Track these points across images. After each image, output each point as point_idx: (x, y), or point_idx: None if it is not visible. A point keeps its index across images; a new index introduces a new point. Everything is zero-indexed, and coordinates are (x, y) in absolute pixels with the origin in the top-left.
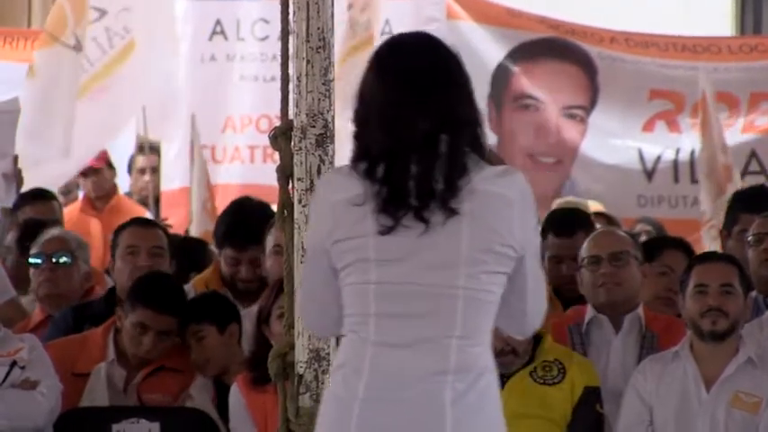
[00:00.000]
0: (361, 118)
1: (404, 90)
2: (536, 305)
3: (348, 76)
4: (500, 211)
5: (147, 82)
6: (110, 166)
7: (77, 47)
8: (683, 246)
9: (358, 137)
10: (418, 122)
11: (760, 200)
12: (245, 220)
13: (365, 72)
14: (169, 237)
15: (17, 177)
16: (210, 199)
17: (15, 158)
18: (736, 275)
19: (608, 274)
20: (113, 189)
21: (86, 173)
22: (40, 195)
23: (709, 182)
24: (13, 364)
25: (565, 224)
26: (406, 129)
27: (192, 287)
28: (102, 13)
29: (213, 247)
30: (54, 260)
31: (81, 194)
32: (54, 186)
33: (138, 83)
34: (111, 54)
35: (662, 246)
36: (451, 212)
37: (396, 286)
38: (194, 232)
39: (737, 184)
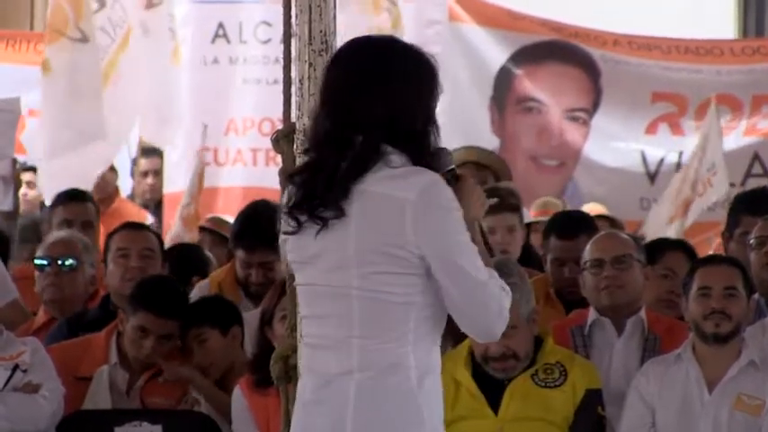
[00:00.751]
0: None
1: (322, 96)
2: (475, 310)
3: None
4: (388, 213)
5: (144, 77)
6: (111, 168)
7: (84, 38)
8: (684, 248)
9: None
10: (325, 125)
11: (761, 202)
12: (256, 223)
13: None
14: (161, 240)
15: (15, 180)
16: (194, 204)
17: (13, 161)
18: (739, 278)
19: (611, 277)
20: (115, 192)
21: None
22: (75, 196)
23: (667, 203)
24: (16, 367)
25: (567, 226)
26: (316, 132)
27: (208, 285)
28: (102, 3)
29: (208, 252)
30: (59, 263)
31: None
32: (97, 171)
33: (138, 73)
34: (117, 42)
35: (664, 248)
36: (339, 213)
37: (307, 287)
38: (168, 241)
39: (686, 222)
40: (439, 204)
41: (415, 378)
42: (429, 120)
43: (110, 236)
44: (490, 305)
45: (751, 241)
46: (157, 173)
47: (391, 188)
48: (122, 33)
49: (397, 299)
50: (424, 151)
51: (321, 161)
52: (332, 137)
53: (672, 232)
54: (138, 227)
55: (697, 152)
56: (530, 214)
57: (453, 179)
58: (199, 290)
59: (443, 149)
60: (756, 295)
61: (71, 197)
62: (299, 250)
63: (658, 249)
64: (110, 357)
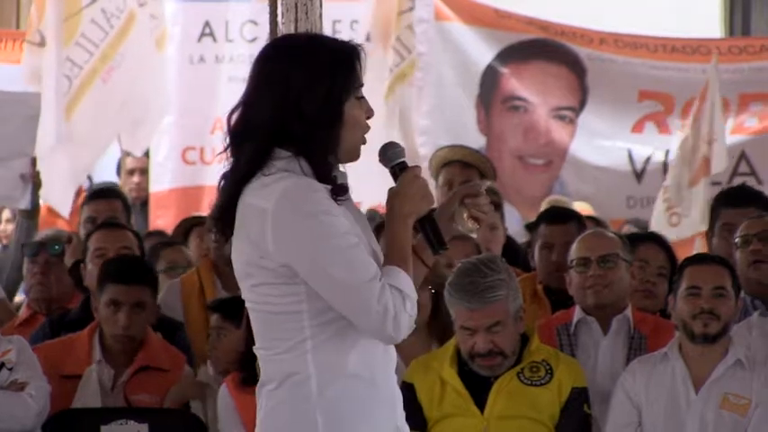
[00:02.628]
0: None
1: None
2: (355, 313)
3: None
4: (255, 224)
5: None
6: None
7: (41, 42)
8: (657, 239)
9: None
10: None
11: (740, 195)
12: None
13: None
14: (140, 238)
15: (34, 179)
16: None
17: (33, 160)
18: (728, 278)
19: (597, 276)
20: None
21: None
22: (103, 193)
23: (683, 168)
24: (1, 365)
25: (557, 214)
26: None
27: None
28: None
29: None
30: (47, 250)
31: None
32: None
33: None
34: (112, 34)
35: (636, 240)
36: (229, 230)
37: None
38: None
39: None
40: (295, 211)
41: (315, 386)
42: (323, 118)
43: (88, 236)
44: (370, 307)
45: (736, 240)
46: (144, 171)
47: (257, 198)
48: (120, 24)
49: (279, 309)
50: (315, 152)
51: (224, 174)
52: (228, 147)
53: (700, 196)
54: (116, 226)
55: (705, 114)
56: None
57: (400, 173)
58: (168, 290)
59: (390, 144)
60: (741, 293)
61: (98, 195)
62: None
63: (631, 241)
64: (93, 355)
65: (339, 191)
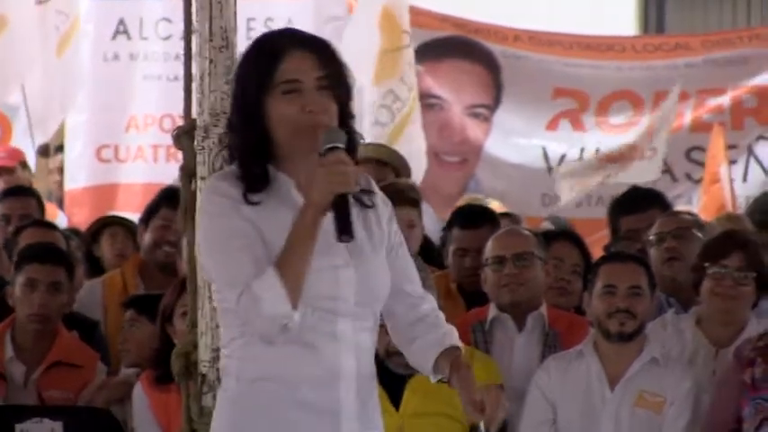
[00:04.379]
0: None
1: None
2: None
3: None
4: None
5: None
6: (24, 165)
7: None
8: (570, 237)
9: None
10: None
11: (637, 200)
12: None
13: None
14: (68, 239)
15: None
16: None
17: None
18: (644, 277)
19: (512, 275)
20: None
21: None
22: (17, 191)
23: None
24: None
25: (470, 217)
26: None
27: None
28: None
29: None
30: None
31: None
32: None
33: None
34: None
35: (550, 238)
36: None
37: None
38: None
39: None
40: (200, 210)
41: (235, 388)
42: (237, 118)
43: (17, 232)
44: (247, 305)
45: (651, 237)
46: (60, 170)
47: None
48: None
49: (221, 305)
50: (234, 152)
51: None
52: None
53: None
54: (47, 225)
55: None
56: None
57: None
58: (87, 289)
59: (327, 128)
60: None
61: (11, 192)
62: None
63: (545, 239)
64: (5, 350)
65: (253, 190)
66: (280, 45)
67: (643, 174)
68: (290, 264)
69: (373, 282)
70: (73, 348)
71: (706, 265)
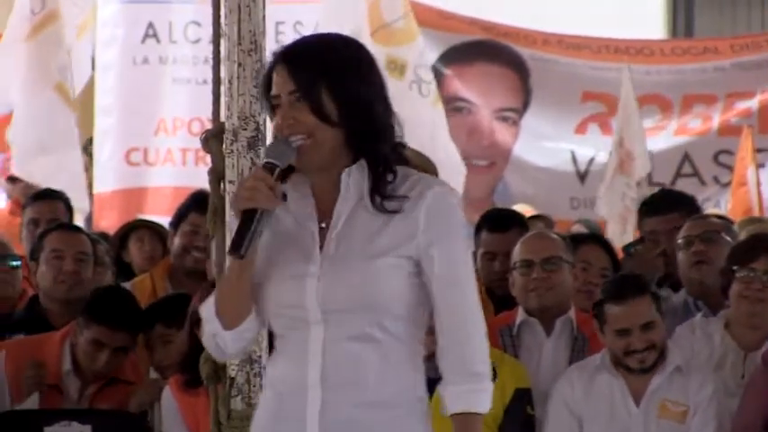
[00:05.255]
0: None
1: None
2: None
3: None
4: None
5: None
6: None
7: None
8: (599, 240)
9: None
10: None
11: (661, 203)
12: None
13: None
14: (94, 243)
15: None
16: None
17: None
18: (651, 308)
19: (540, 279)
20: None
21: (15, 179)
22: (45, 195)
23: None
24: None
25: (498, 220)
26: None
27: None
28: None
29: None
30: (4, 263)
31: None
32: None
33: None
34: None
35: (578, 241)
36: None
37: None
38: None
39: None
40: None
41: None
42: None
43: (42, 235)
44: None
45: (679, 241)
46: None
47: None
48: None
49: None
50: None
51: None
52: None
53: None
54: (73, 228)
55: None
56: None
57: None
58: None
59: (271, 144)
60: (683, 292)
61: (40, 196)
62: None
63: (573, 243)
64: (63, 364)
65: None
66: (271, 61)
67: (638, 170)
68: (220, 281)
69: (350, 290)
70: (127, 365)
71: (734, 268)
